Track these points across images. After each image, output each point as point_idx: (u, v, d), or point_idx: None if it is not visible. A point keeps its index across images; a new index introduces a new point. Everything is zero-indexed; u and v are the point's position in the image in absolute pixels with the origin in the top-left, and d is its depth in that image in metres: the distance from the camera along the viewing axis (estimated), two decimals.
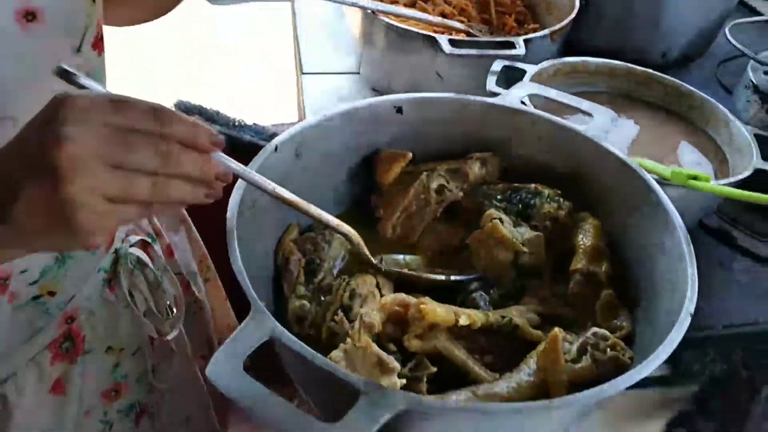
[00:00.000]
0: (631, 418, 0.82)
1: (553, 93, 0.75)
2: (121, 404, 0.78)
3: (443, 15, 1.17)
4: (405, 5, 1.19)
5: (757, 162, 0.82)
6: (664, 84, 1.01)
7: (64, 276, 0.65)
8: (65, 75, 0.40)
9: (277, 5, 1.35)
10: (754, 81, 0.97)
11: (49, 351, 0.67)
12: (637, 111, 1.01)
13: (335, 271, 0.68)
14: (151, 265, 0.77)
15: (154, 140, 0.42)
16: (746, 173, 0.81)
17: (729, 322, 0.80)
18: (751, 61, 0.97)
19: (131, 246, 0.76)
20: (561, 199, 0.70)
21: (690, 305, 0.52)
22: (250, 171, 0.55)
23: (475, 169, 0.74)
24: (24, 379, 0.66)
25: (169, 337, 0.79)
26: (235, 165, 0.50)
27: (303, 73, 1.23)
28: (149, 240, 0.79)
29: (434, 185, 0.73)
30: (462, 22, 1.16)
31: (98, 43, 0.61)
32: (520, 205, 0.70)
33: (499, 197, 0.71)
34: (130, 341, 0.76)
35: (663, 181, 0.73)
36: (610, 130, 0.69)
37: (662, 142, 0.95)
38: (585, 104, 0.73)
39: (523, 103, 0.75)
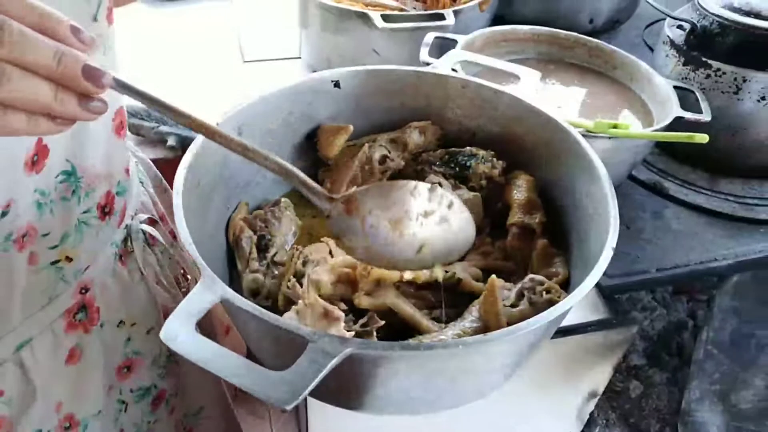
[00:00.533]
0: (580, 360, 0.88)
1: (481, 59, 0.79)
2: (136, 384, 0.80)
3: None
4: None
5: (676, 110, 0.89)
6: (588, 46, 1.08)
7: (80, 243, 0.67)
8: None
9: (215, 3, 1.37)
10: (670, 36, 1.03)
11: (63, 319, 0.69)
12: (565, 73, 1.07)
13: (287, 247, 0.72)
14: (161, 239, 0.80)
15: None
16: (667, 121, 0.87)
17: (662, 266, 0.86)
18: (667, 18, 1.04)
19: (141, 223, 0.78)
20: (494, 159, 0.75)
21: (612, 240, 0.57)
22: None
23: (414, 137, 0.78)
24: (40, 346, 0.68)
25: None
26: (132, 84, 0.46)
27: (245, 62, 1.27)
28: (156, 219, 0.82)
29: (377, 155, 0.76)
30: None
31: (110, 15, 0.63)
32: (457, 168, 0.75)
33: (438, 163, 0.75)
34: (143, 318, 0.78)
35: (588, 134, 0.79)
36: (538, 89, 0.74)
37: (592, 101, 1.01)
38: (512, 67, 0.78)
39: (454, 70, 0.79)
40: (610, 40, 1.16)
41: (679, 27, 1.02)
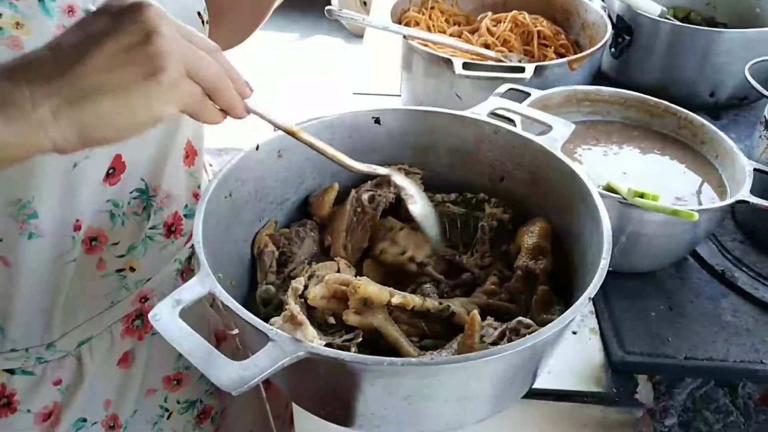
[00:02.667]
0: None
1: (515, 106, 0.84)
2: (183, 396, 0.90)
3: (486, 46, 1.29)
4: (452, 35, 1.33)
5: (743, 193, 0.87)
6: (678, 116, 1.07)
7: (144, 256, 0.80)
8: None
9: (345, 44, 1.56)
10: (766, 117, 1.01)
11: (122, 323, 0.81)
12: (649, 140, 1.07)
13: (305, 264, 0.78)
14: None
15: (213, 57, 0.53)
16: (727, 202, 0.86)
17: (693, 355, 0.82)
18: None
19: None
20: (505, 206, 0.81)
21: (591, 291, 0.58)
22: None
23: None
24: (98, 345, 0.80)
25: (234, 332, 0.92)
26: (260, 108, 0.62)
27: (354, 93, 1.41)
28: None
29: (365, 196, 0.82)
30: (500, 52, 1.28)
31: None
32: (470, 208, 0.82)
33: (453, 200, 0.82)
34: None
35: (623, 201, 0.82)
36: (568, 139, 0.78)
37: (670, 172, 1.00)
38: (545, 117, 0.81)
39: (495, 115, 0.84)
40: (732, 117, 1.13)
41: None
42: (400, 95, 1.36)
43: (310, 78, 1.44)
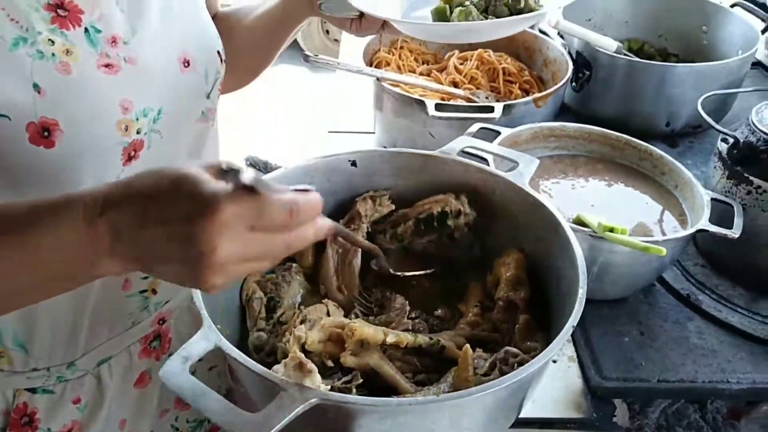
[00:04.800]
0: None
1: (484, 145, 0.92)
2: (192, 415, 0.95)
3: (454, 84, 1.37)
4: (421, 74, 1.41)
5: (703, 222, 0.96)
6: (639, 149, 1.16)
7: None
8: (223, 172, 0.49)
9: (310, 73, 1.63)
10: (719, 149, 1.11)
11: (140, 344, 0.86)
12: (612, 173, 1.15)
13: (295, 308, 0.83)
14: None
15: (286, 235, 0.51)
16: (688, 232, 0.94)
17: (665, 378, 0.90)
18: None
19: None
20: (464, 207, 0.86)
21: (574, 320, 0.65)
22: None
23: (366, 206, 0.89)
24: (117, 365, 0.84)
25: None
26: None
27: (329, 132, 1.49)
28: None
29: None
30: (468, 89, 1.36)
31: (217, 93, 0.85)
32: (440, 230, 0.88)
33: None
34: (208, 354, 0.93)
35: (594, 234, 0.89)
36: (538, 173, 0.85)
37: (634, 203, 1.09)
38: (511, 153, 0.89)
39: (466, 153, 0.91)
40: (687, 144, 1.20)
41: (724, 140, 1.09)
42: (374, 132, 1.42)
43: (280, 110, 1.50)
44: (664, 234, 1.00)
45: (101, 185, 0.52)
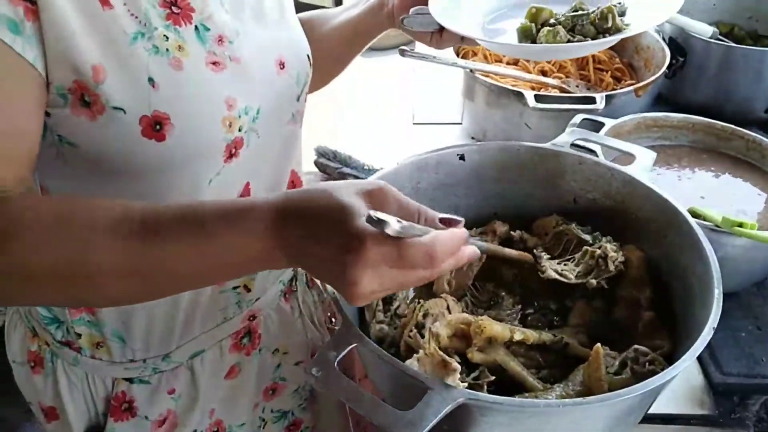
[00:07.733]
0: None
1: (596, 137, 0.91)
2: (276, 405, 0.99)
3: (543, 72, 1.38)
4: (507, 64, 1.41)
5: None
6: (746, 139, 1.15)
7: (257, 276, 0.88)
8: (371, 221, 0.52)
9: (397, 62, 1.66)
10: None
11: (231, 339, 0.90)
12: (719, 163, 1.15)
13: (408, 300, 0.86)
14: (319, 283, 1.01)
15: (424, 276, 0.57)
16: None
17: None
18: None
19: None
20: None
21: (714, 320, 0.66)
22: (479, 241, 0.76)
23: (500, 227, 0.92)
24: (209, 358, 0.88)
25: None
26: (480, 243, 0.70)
27: (414, 123, 1.52)
28: None
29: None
30: (559, 78, 1.36)
31: (305, 97, 0.88)
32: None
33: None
34: (295, 350, 0.97)
35: (716, 228, 0.88)
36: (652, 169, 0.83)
37: (744, 194, 1.08)
38: (627, 146, 0.89)
39: (576, 146, 0.91)
40: None
41: None
42: (461, 123, 1.44)
43: (351, 101, 1.53)
44: None
45: (279, 195, 0.59)
